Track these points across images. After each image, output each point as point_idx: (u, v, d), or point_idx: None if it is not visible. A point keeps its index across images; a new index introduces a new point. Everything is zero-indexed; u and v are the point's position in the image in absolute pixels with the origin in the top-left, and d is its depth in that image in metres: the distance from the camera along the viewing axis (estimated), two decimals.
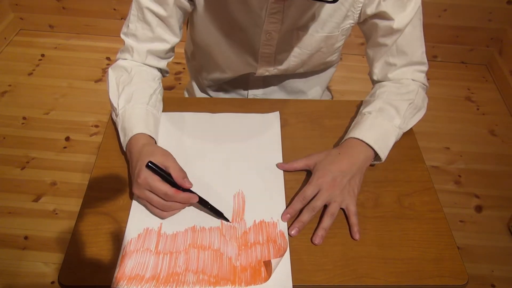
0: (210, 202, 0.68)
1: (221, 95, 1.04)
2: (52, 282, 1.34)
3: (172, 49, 0.86)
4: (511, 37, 2.07)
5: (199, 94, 1.07)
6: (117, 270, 0.61)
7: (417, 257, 0.65)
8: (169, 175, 0.65)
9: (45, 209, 1.52)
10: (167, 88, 1.99)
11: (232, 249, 0.64)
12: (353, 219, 0.67)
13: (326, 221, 0.66)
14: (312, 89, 1.03)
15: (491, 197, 1.65)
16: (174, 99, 0.90)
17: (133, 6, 0.79)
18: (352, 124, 0.79)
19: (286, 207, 0.69)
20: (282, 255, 0.63)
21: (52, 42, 2.23)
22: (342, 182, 0.69)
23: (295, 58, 0.87)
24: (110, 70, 0.81)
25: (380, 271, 0.63)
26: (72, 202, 1.54)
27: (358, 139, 0.73)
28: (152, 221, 0.67)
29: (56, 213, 1.50)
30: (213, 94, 1.05)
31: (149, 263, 0.62)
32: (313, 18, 0.80)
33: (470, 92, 2.10)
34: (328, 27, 0.81)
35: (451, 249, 0.66)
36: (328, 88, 1.11)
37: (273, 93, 1.02)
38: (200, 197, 0.67)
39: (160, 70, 0.88)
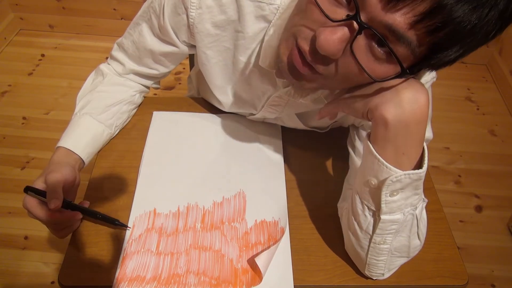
0: (101, 212, 0.67)
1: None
2: (52, 282, 1.34)
3: (160, 75, 0.82)
4: (511, 37, 2.07)
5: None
6: (118, 271, 0.61)
7: (417, 257, 0.65)
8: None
9: None
10: (167, 88, 1.99)
11: (233, 250, 0.64)
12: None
13: None
14: None
15: (491, 197, 1.65)
16: (174, 99, 0.90)
17: (132, 23, 0.74)
18: None
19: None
20: (271, 247, 0.63)
21: (52, 42, 2.23)
22: None
23: (287, 126, 0.83)
24: (92, 72, 0.80)
25: None
26: None
27: None
28: (153, 221, 0.67)
29: None
30: None
31: (150, 264, 0.62)
32: (306, 115, 0.76)
33: (470, 92, 2.10)
34: (318, 123, 0.78)
35: (451, 249, 0.66)
36: None
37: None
38: (86, 211, 0.66)
39: (143, 85, 0.84)
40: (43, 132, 1.78)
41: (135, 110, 0.84)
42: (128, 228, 0.66)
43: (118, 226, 0.66)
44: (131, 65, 0.78)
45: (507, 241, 1.52)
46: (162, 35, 0.71)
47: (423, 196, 0.55)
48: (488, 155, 1.80)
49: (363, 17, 0.42)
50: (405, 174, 0.49)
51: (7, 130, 1.78)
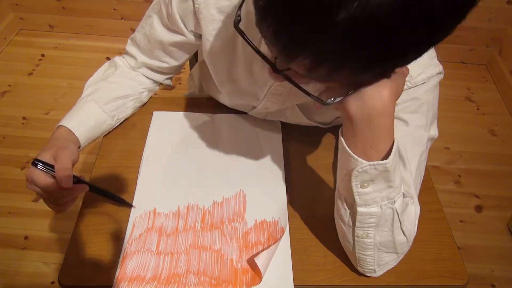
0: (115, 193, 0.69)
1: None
2: (52, 282, 1.34)
3: (171, 69, 0.83)
4: (511, 37, 2.07)
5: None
6: (118, 270, 0.61)
7: (417, 257, 0.65)
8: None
9: (45, 209, 1.49)
10: (167, 88, 1.99)
11: (233, 250, 0.64)
12: None
13: None
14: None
15: (491, 197, 1.65)
16: (174, 99, 0.90)
17: (145, 17, 0.77)
18: None
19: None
20: (271, 247, 0.63)
21: (52, 42, 2.23)
22: None
23: (290, 122, 0.83)
24: (106, 63, 0.83)
25: None
26: None
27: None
28: (153, 221, 0.67)
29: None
30: None
31: (150, 264, 0.62)
32: (309, 108, 0.76)
33: (470, 92, 2.10)
34: (321, 118, 0.79)
35: (451, 249, 0.66)
36: None
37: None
38: (93, 186, 0.67)
39: (154, 81, 0.86)
40: (43, 132, 1.78)
41: (139, 108, 0.85)
42: (133, 207, 0.68)
43: (123, 205, 0.68)
44: (143, 58, 0.80)
45: (507, 241, 1.52)
46: (170, 25, 0.73)
47: (402, 190, 0.55)
48: (488, 155, 1.80)
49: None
50: (370, 165, 0.51)
51: (7, 130, 1.78)
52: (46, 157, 0.64)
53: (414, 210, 0.59)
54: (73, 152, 0.65)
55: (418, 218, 0.60)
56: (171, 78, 0.88)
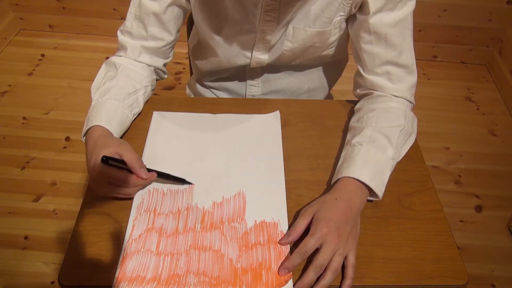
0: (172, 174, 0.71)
1: (221, 84, 1.03)
2: (52, 282, 1.34)
3: (168, 48, 0.87)
4: (511, 37, 2.07)
5: (199, 87, 1.07)
6: (118, 271, 0.61)
7: (417, 257, 0.65)
8: (125, 163, 0.66)
9: (45, 209, 1.51)
10: (167, 88, 1.99)
11: (233, 250, 0.64)
12: (350, 272, 0.61)
13: (329, 278, 0.60)
14: (312, 91, 1.03)
15: (491, 197, 1.65)
16: (174, 99, 0.90)
17: (131, 3, 0.81)
18: (342, 156, 0.74)
19: (287, 233, 0.65)
20: (282, 259, 0.63)
21: (52, 42, 2.23)
22: (346, 231, 0.63)
23: (287, 52, 0.86)
24: (103, 65, 0.84)
25: (380, 271, 0.63)
26: (72, 202, 1.54)
27: (353, 178, 0.68)
28: (153, 221, 0.67)
29: (56, 213, 1.50)
30: (212, 84, 1.04)
31: (150, 264, 0.62)
32: (306, 13, 0.79)
33: (470, 92, 2.10)
34: (320, 22, 0.81)
35: (451, 249, 0.66)
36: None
37: (271, 87, 1.00)
38: (159, 172, 0.70)
39: (155, 71, 0.89)
40: (43, 132, 1.78)
41: (146, 103, 0.86)
42: (192, 184, 0.72)
43: (185, 184, 0.72)
44: (139, 43, 0.83)
45: (507, 241, 1.52)
46: None
47: (397, 156, 0.73)
48: (488, 155, 1.80)
49: None
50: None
51: (7, 130, 1.78)
52: (110, 154, 0.66)
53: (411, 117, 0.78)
54: (129, 145, 0.70)
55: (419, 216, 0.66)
56: (165, 66, 0.92)
